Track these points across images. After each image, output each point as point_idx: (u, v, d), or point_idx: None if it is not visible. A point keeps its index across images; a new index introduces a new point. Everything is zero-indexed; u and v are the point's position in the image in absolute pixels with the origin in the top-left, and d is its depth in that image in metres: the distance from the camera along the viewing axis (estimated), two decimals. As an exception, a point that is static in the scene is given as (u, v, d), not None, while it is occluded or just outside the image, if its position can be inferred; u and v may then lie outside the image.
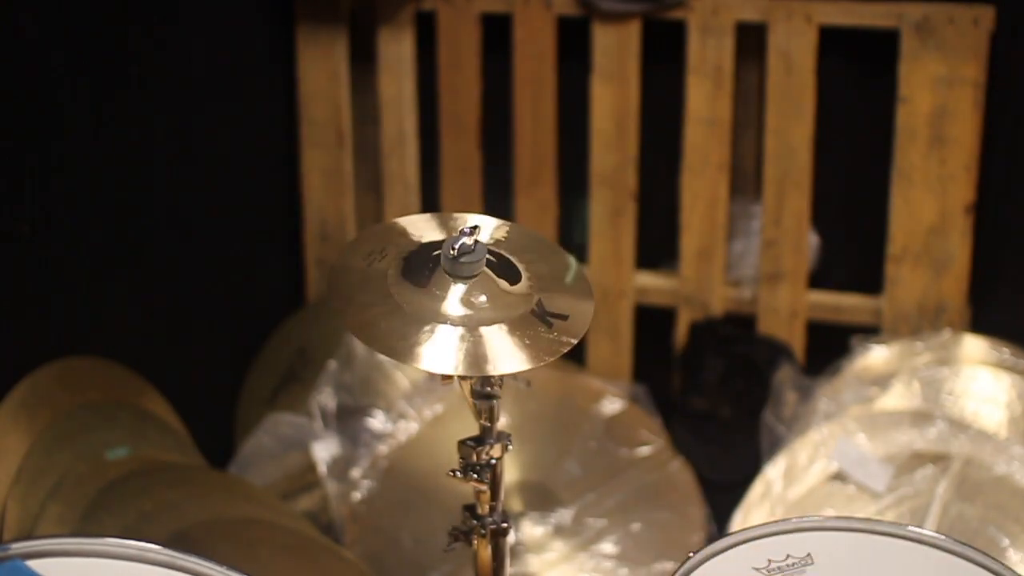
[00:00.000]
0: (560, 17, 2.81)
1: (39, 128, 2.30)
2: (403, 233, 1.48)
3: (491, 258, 1.43)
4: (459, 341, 1.36)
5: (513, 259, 1.46)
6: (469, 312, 1.38)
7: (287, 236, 3.05)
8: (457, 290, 1.40)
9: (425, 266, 1.42)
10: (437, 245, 1.44)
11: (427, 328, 1.36)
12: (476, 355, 1.35)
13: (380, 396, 2.70)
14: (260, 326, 2.94)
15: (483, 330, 1.37)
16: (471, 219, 1.49)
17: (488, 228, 1.50)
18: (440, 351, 1.35)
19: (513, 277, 1.44)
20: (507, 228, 1.51)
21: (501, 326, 1.38)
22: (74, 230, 2.38)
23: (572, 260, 1.51)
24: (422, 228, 1.49)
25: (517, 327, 1.38)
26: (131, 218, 2.52)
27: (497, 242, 1.48)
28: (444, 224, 1.50)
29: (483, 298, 1.40)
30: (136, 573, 1.25)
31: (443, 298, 1.39)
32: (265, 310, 2.98)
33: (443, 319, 1.37)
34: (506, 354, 1.36)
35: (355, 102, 2.98)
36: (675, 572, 1.31)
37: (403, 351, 1.35)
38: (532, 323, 1.40)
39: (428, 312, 1.38)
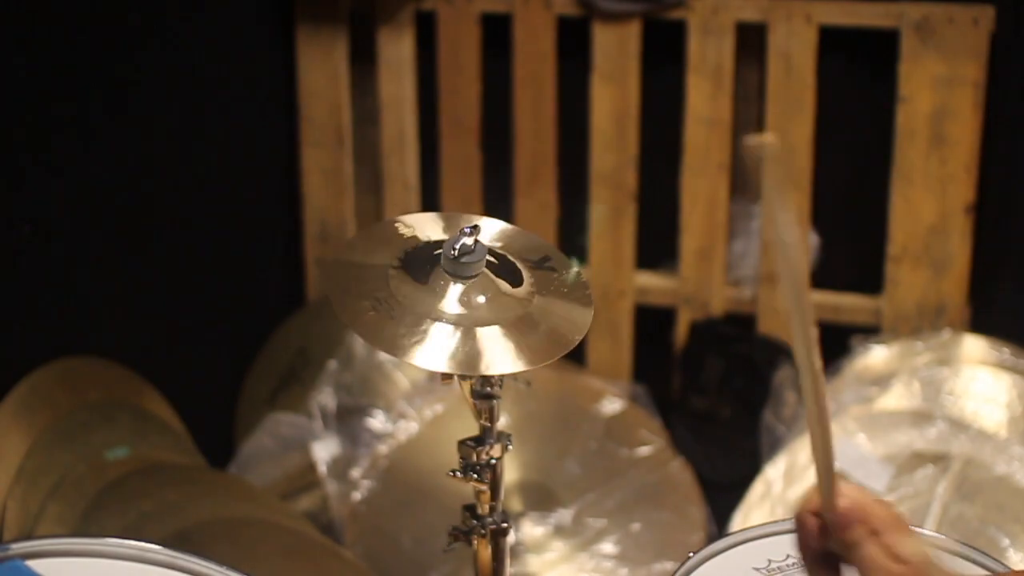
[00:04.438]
0: (560, 17, 2.81)
1: (39, 128, 2.30)
2: (405, 231, 1.48)
3: (492, 260, 1.42)
4: (455, 340, 1.35)
5: (516, 261, 1.45)
6: (467, 311, 1.38)
7: (287, 236, 3.05)
8: (456, 290, 1.39)
9: (425, 264, 1.41)
10: (438, 244, 1.43)
11: (424, 326, 1.36)
12: (471, 354, 1.35)
13: (380, 396, 2.69)
14: (260, 326, 2.94)
15: (479, 330, 1.37)
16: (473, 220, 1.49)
17: (490, 230, 1.49)
18: (435, 349, 1.35)
19: (514, 279, 1.43)
20: (509, 231, 1.51)
21: (498, 327, 1.37)
22: (74, 230, 2.38)
23: (574, 267, 1.50)
24: (425, 227, 1.49)
25: (514, 328, 1.38)
26: (131, 218, 2.53)
27: (500, 245, 1.47)
28: (448, 224, 1.49)
29: (481, 298, 1.39)
30: (136, 573, 1.25)
31: (442, 296, 1.39)
32: (265, 310, 2.98)
33: (440, 317, 1.37)
34: (501, 354, 1.36)
35: (355, 102, 2.98)
36: (675, 572, 1.31)
37: (399, 348, 1.35)
38: (529, 322, 1.39)
39: (426, 310, 1.38)
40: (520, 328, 1.38)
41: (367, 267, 1.42)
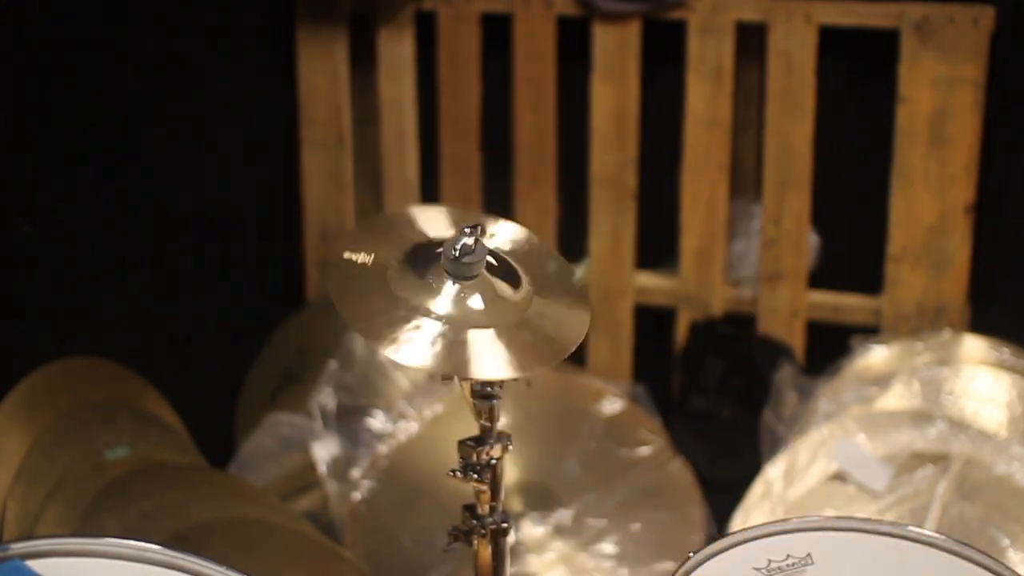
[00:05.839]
0: (560, 17, 2.81)
1: (38, 128, 2.30)
2: (407, 226, 1.48)
3: (492, 261, 1.43)
4: (443, 340, 1.35)
5: (515, 264, 1.45)
6: (461, 312, 1.38)
7: (287, 236, 3.05)
8: (454, 289, 1.40)
9: (425, 262, 1.42)
10: (438, 242, 1.43)
11: (415, 322, 1.36)
12: (459, 356, 1.35)
13: (380, 396, 2.69)
14: (260, 326, 2.94)
15: (471, 332, 1.37)
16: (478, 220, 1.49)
17: (494, 231, 1.49)
18: (422, 347, 1.35)
19: (513, 281, 1.43)
20: (513, 231, 1.51)
21: (491, 330, 1.37)
22: (74, 230, 2.38)
23: (578, 272, 1.50)
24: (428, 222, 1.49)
25: (506, 333, 1.38)
26: (131, 218, 2.53)
27: (502, 247, 1.48)
28: (451, 219, 1.50)
29: (478, 299, 1.39)
30: (136, 573, 1.25)
31: (438, 294, 1.39)
32: (265, 310, 2.98)
33: (433, 315, 1.37)
34: (491, 359, 1.36)
35: (355, 102, 2.98)
36: (675, 572, 1.31)
37: (389, 342, 1.35)
38: (525, 328, 1.39)
39: (420, 307, 1.38)
40: (514, 333, 1.38)
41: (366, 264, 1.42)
